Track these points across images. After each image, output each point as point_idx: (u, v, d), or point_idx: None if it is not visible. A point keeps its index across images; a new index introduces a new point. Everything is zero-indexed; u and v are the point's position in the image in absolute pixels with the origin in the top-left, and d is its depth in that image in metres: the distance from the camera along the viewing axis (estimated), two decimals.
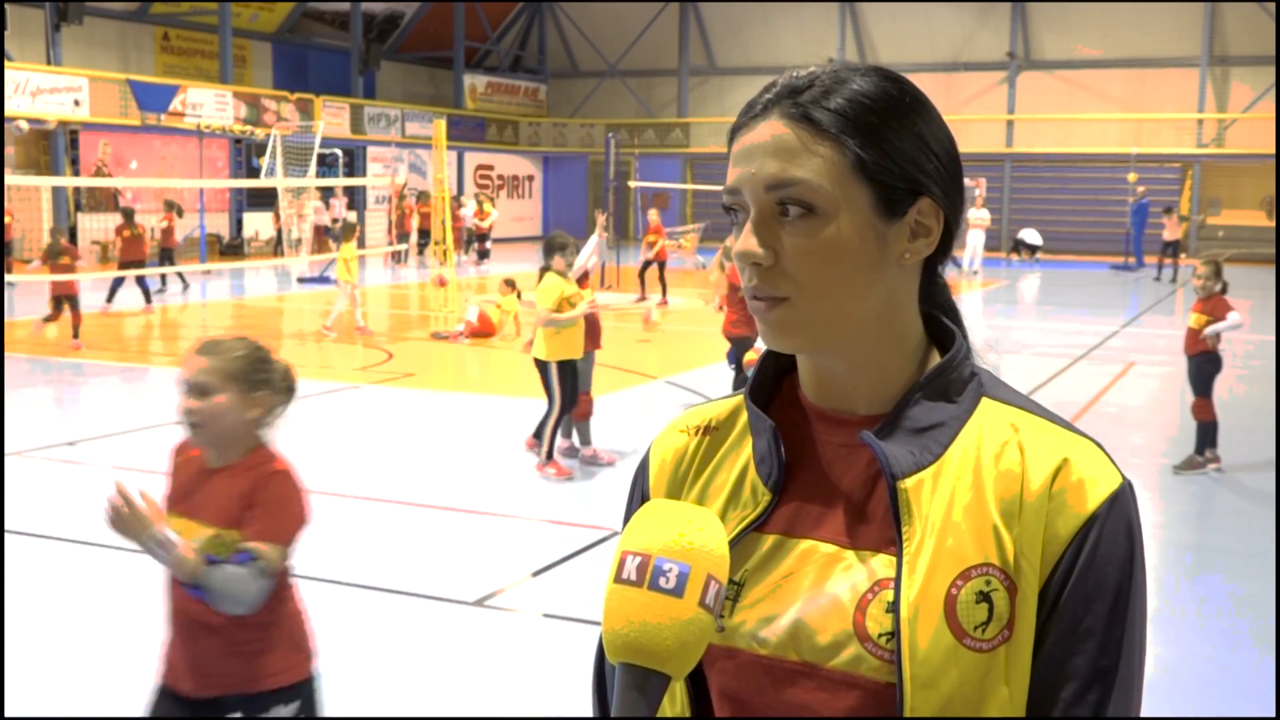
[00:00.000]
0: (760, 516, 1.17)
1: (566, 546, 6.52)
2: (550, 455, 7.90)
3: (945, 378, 1.15)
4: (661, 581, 1.01)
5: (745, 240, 1.12)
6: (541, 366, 7.92)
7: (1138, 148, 31.02)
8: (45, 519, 6.73)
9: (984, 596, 1.07)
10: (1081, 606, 1.07)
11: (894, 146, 1.11)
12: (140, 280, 17.49)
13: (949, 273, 1.26)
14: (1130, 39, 33.98)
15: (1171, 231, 24.41)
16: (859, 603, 1.09)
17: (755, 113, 1.14)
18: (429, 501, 7.36)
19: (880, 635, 1.07)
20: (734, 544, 1.16)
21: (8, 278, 16.89)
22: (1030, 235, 31.00)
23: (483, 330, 14.48)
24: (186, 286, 20.64)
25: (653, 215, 19.00)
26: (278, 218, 24.58)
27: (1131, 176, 29.39)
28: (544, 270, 7.88)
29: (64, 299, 13.61)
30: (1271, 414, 9.72)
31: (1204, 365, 8.20)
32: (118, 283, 17.45)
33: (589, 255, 8.92)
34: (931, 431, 1.13)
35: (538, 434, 8.07)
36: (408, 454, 8.65)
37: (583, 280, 8.65)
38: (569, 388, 7.92)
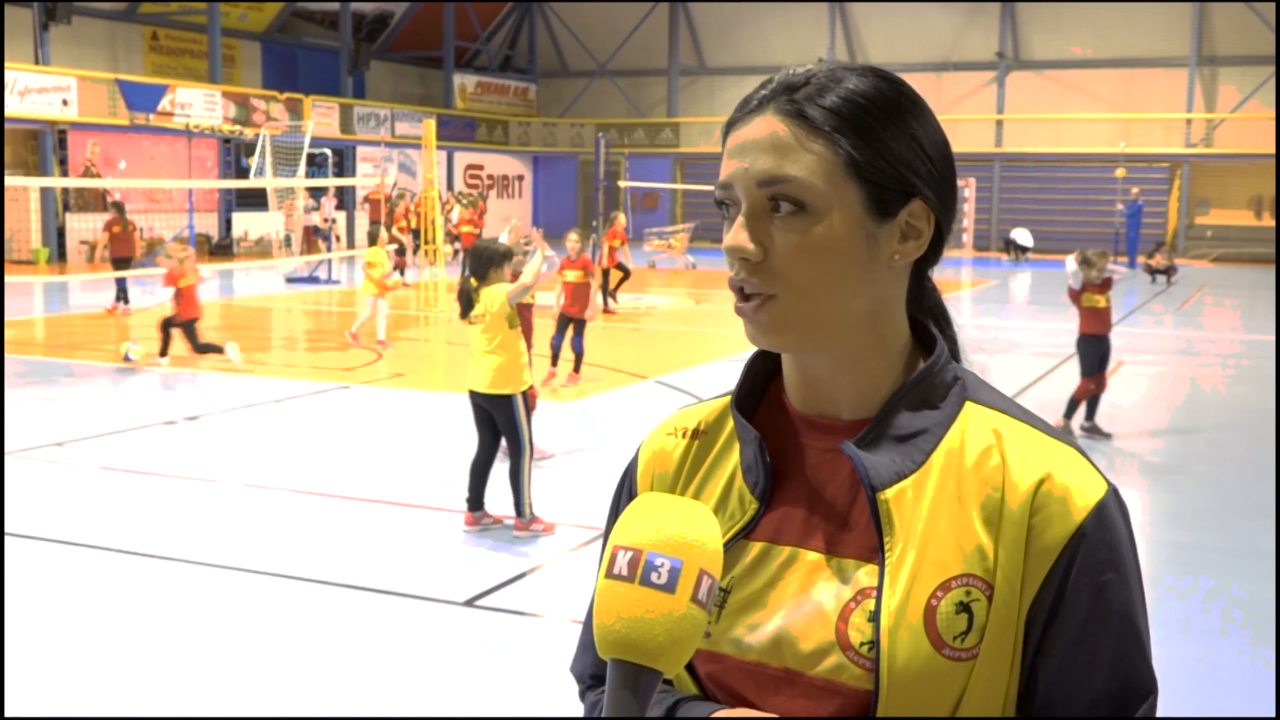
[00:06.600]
0: (748, 525, 1.17)
1: (556, 547, 6.51)
2: (531, 508, 6.62)
3: (928, 383, 1.15)
4: (653, 577, 1.00)
5: (736, 235, 1.11)
6: (504, 402, 6.58)
7: (1125, 144, 31.08)
8: (34, 520, 6.70)
9: (964, 607, 1.07)
10: (1084, 616, 1.08)
11: (887, 147, 1.11)
12: (119, 281, 16.85)
13: None
14: (1119, 39, 34.09)
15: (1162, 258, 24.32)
16: (842, 612, 1.09)
17: (750, 108, 1.14)
18: (418, 502, 7.33)
19: (862, 644, 1.08)
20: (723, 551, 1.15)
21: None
22: (1021, 235, 31.04)
23: None
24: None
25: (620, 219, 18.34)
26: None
27: (1120, 172, 29.45)
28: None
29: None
30: (1271, 414, 9.72)
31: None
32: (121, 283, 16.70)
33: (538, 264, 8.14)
34: (914, 439, 1.13)
35: (516, 489, 6.58)
36: (396, 454, 8.62)
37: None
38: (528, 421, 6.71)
